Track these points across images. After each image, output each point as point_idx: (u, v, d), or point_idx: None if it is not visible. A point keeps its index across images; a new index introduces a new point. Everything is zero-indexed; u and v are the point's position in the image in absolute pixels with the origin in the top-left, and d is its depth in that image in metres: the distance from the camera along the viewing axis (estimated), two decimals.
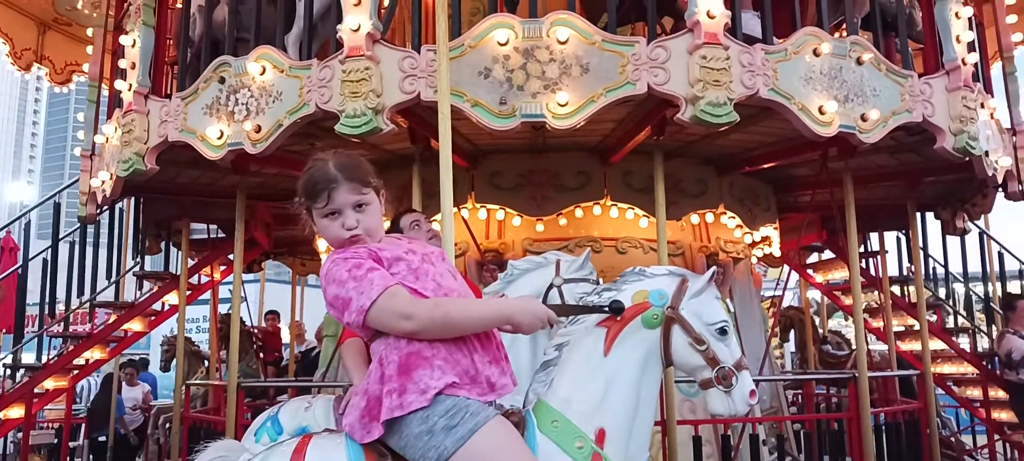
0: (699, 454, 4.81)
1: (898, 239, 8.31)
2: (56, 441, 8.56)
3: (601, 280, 3.35)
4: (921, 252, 7.50)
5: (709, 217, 6.19)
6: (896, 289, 7.86)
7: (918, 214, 7.32)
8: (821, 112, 4.52)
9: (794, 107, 4.46)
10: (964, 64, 5.06)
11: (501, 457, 1.96)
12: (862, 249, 7.94)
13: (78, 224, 7.07)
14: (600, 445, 2.11)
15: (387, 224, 2.99)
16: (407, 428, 1.99)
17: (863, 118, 4.66)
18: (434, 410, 1.97)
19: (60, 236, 7.68)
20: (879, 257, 7.71)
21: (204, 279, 7.94)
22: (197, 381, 8.15)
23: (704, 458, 4.85)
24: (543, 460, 2.05)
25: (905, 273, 7.96)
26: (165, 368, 10.07)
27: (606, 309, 2.21)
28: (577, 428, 2.11)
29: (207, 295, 8.39)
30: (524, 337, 2.72)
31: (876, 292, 7.51)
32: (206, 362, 8.95)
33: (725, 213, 6.17)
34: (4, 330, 8.61)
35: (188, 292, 7.31)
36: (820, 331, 10.00)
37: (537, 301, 2.05)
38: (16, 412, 6.46)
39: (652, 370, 2.22)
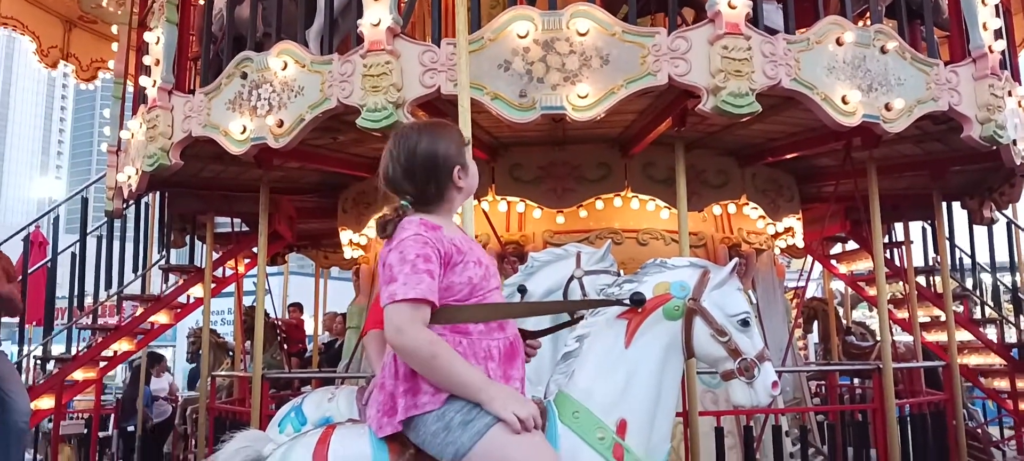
0: (721, 445, 4.80)
1: (924, 229, 8.21)
2: (86, 431, 8.72)
3: (622, 272, 3.35)
4: (947, 242, 7.40)
5: (731, 208, 6.15)
6: (922, 279, 7.77)
7: (944, 203, 7.23)
8: (844, 102, 4.47)
9: (817, 97, 4.42)
10: (991, 52, 4.98)
11: (519, 450, 1.95)
12: (887, 239, 7.85)
13: (105, 218, 7.18)
14: (621, 436, 2.11)
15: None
16: (424, 426, 2.00)
17: (887, 107, 4.61)
18: (450, 407, 1.98)
19: (88, 230, 7.80)
20: (904, 247, 7.62)
21: (228, 272, 8.02)
22: (223, 372, 8.24)
23: (726, 449, 4.83)
24: (564, 451, 2.06)
25: (931, 263, 7.86)
26: (191, 360, 10.20)
27: (627, 302, 2.21)
28: (598, 419, 2.12)
29: (232, 288, 8.48)
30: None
31: (901, 283, 7.42)
32: (231, 354, 9.05)
33: (747, 204, 6.13)
34: (34, 322, 8.78)
35: (213, 285, 7.39)
36: (844, 322, 9.91)
37: (531, 404, 2.00)
38: (47, 402, 6.59)
39: (674, 361, 2.22)
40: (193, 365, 10.26)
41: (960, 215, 7.58)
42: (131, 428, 10.15)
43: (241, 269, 8.05)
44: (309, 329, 10.83)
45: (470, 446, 1.96)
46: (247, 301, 8.70)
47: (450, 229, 2.11)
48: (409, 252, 1.98)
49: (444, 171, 2.11)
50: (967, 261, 8.24)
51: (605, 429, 2.11)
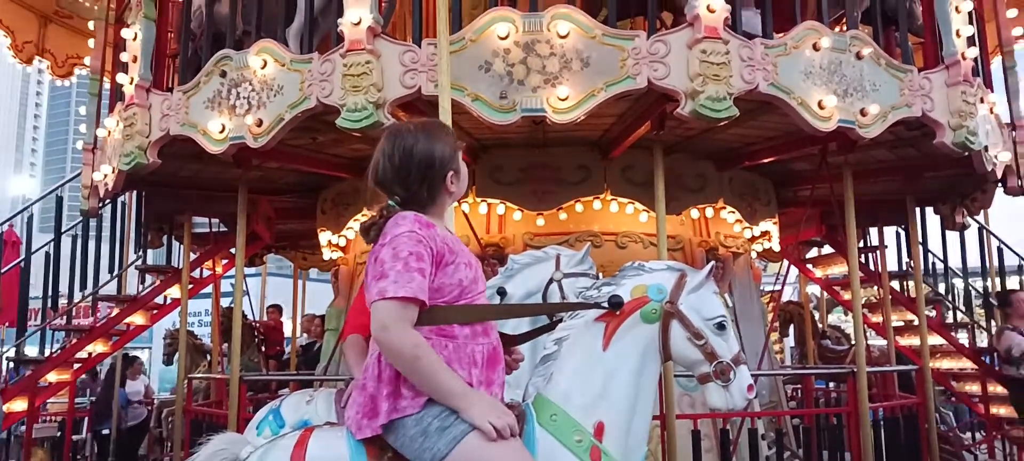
0: (698, 448, 4.83)
1: (898, 234, 8.32)
2: (59, 434, 8.61)
3: (601, 275, 3.37)
4: (920, 247, 7.50)
5: (709, 212, 6.20)
6: (896, 284, 7.87)
7: (918, 209, 7.33)
8: (821, 107, 4.52)
9: (793, 102, 4.47)
10: (964, 58, 5.06)
11: (495, 457, 1.95)
12: (861, 244, 7.94)
13: (80, 218, 7.09)
14: (599, 439, 2.13)
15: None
16: (403, 429, 2.00)
17: (863, 113, 4.67)
18: (428, 411, 1.98)
19: (62, 230, 7.70)
20: (879, 252, 7.72)
21: (206, 273, 7.96)
22: (200, 375, 8.17)
23: (703, 452, 4.87)
24: (542, 454, 2.07)
25: (905, 268, 7.97)
26: (168, 362, 10.10)
27: (605, 304, 2.23)
28: (576, 422, 2.13)
29: (209, 289, 8.41)
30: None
31: (875, 287, 7.51)
32: (208, 356, 8.97)
33: (725, 208, 6.19)
34: (7, 324, 8.65)
35: (190, 286, 7.33)
36: (820, 326, 10.02)
37: (508, 413, 2.00)
38: (20, 405, 6.49)
39: (651, 364, 2.24)
40: (169, 367, 10.16)
41: (933, 220, 7.70)
42: (105, 431, 10.02)
43: (219, 270, 7.99)
44: (288, 331, 10.75)
45: (446, 452, 1.95)
46: (225, 302, 8.63)
47: (442, 229, 2.11)
48: (402, 249, 1.97)
49: (439, 174, 2.10)
50: (940, 266, 8.36)
51: (583, 432, 2.12)
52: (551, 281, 3.53)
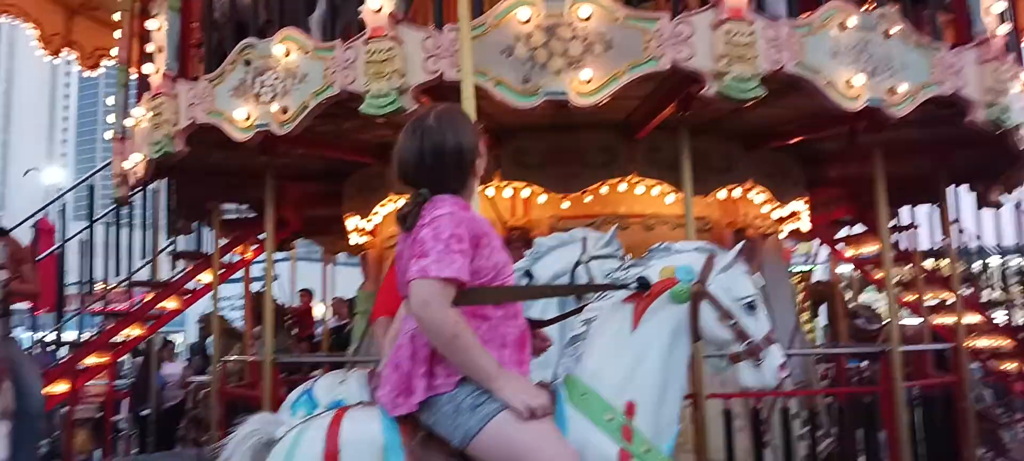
0: (730, 428, 4.82)
1: (930, 212, 8.19)
2: (100, 415, 8.81)
3: (628, 257, 3.36)
4: (954, 225, 7.38)
5: (737, 193, 6.13)
6: (929, 263, 7.76)
7: (952, 186, 7.21)
8: (848, 86, 4.46)
9: (820, 82, 4.41)
10: (995, 35, 4.95)
11: (526, 435, 1.99)
12: (893, 223, 7.83)
13: (112, 205, 7.22)
14: (630, 418, 2.14)
15: None
16: (437, 407, 2.04)
17: (891, 92, 4.59)
18: (462, 389, 2.02)
19: (95, 217, 7.84)
20: (911, 231, 7.60)
21: (237, 258, 8.06)
22: (233, 357, 8.30)
23: (735, 432, 4.85)
24: (573, 433, 2.09)
25: (938, 246, 7.84)
26: (201, 346, 10.28)
27: (633, 286, 2.23)
28: (606, 401, 2.14)
29: (240, 274, 8.53)
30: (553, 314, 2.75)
31: (908, 266, 7.41)
32: (241, 339, 9.11)
33: (753, 188, 6.12)
34: (45, 309, 8.84)
35: (221, 271, 7.43)
36: (851, 305, 9.91)
37: (542, 394, 2.04)
38: (61, 387, 6.65)
39: (681, 345, 2.25)
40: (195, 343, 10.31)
41: (967, 197, 7.56)
42: (145, 412, 10.24)
43: (249, 255, 8.09)
44: (318, 315, 10.88)
45: (478, 429, 1.99)
46: (255, 287, 8.75)
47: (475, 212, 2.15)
48: (443, 230, 2.01)
49: (468, 164, 2.16)
50: (975, 244, 8.22)
51: (614, 411, 2.13)
52: (578, 263, 3.52)
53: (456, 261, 1.98)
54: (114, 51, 7.71)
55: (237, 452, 2.19)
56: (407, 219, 2.11)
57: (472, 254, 2.04)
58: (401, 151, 2.16)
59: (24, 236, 7.01)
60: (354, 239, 7.09)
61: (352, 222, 6.82)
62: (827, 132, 5.64)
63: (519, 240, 5.48)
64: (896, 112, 4.60)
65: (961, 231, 8.31)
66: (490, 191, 5.61)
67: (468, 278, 2.01)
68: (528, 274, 3.56)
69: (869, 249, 8.00)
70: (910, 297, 7.47)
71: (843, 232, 8.67)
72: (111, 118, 6.83)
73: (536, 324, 2.34)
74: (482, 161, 2.22)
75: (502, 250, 2.15)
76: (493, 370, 2.02)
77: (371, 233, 6.89)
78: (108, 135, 6.59)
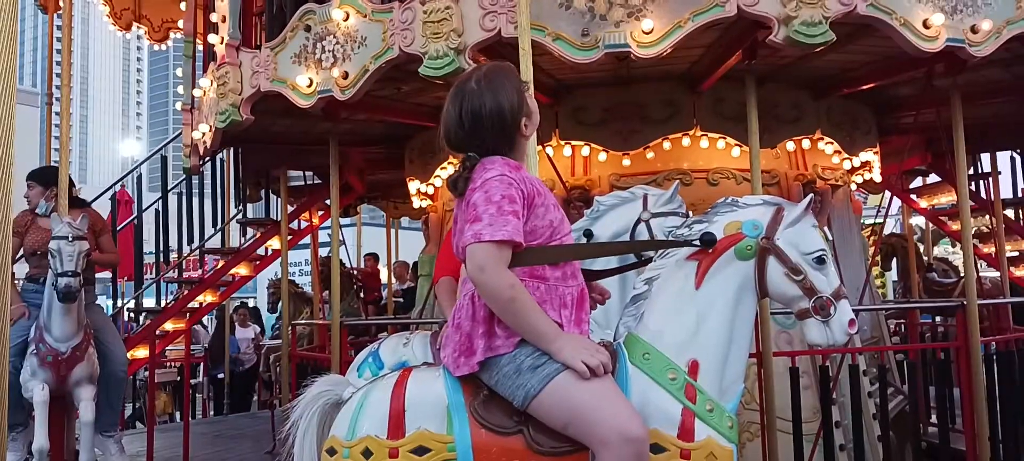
0: (797, 386, 4.73)
1: (1012, 159, 7.79)
2: (179, 379, 9.20)
3: (691, 213, 3.29)
4: None
5: (805, 143, 5.94)
6: (1010, 213, 7.40)
7: None
8: (926, 26, 4.23)
9: (896, 22, 4.19)
10: None
11: (586, 394, 1.98)
12: (972, 171, 7.49)
13: (184, 176, 7.45)
14: (693, 377, 2.11)
15: None
16: (497, 367, 2.04)
17: (973, 30, 4.35)
18: (522, 350, 2.02)
19: (169, 188, 8.12)
20: (990, 179, 7.26)
21: (304, 224, 8.25)
22: (302, 321, 8.55)
23: (802, 390, 4.76)
24: (635, 393, 2.07)
25: (1021, 194, 7.47)
26: (272, 309, 10.61)
27: (697, 242, 2.18)
28: (669, 360, 2.11)
29: (308, 239, 8.73)
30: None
31: (987, 216, 7.09)
32: (310, 303, 9.37)
33: (822, 139, 5.92)
34: (125, 278, 9.25)
35: (289, 237, 7.61)
36: (925, 258, 9.57)
37: (602, 351, 2.01)
38: (141, 353, 6.96)
39: (746, 302, 2.19)
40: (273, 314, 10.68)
41: None
42: (220, 375, 10.66)
43: (316, 221, 8.27)
44: (384, 278, 11.10)
45: (539, 389, 1.99)
46: (323, 252, 8.95)
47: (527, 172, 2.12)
48: (495, 193, 1.99)
49: (512, 125, 2.11)
50: None
51: (676, 370, 2.11)
52: (639, 221, 3.47)
53: (509, 223, 1.96)
54: (181, 23, 7.89)
55: (306, 413, 2.24)
56: (458, 184, 2.09)
57: (526, 215, 2.02)
58: (444, 116, 2.16)
59: (103, 208, 7.31)
60: (416, 203, 7.16)
61: (414, 186, 6.88)
62: (901, 77, 5.39)
63: (579, 200, 5.44)
64: (978, 52, 4.36)
65: None
66: (549, 150, 5.56)
67: (523, 239, 1.99)
68: (588, 234, 3.53)
69: (945, 199, 7.68)
70: (988, 249, 7.15)
71: (916, 182, 8.35)
72: (180, 89, 7.03)
73: (593, 275, 2.32)
74: (531, 120, 2.17)
75: (557, 208, 2.12)
76: (551, 332, 2.01)
77: (432, 196, 6.94)
78: (178, 107, 6.76)
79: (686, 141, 5.59)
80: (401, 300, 10.26)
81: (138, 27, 8.95)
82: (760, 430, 4.64)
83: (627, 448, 1.93)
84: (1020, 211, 7.63)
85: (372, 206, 10.30)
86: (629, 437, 1.94)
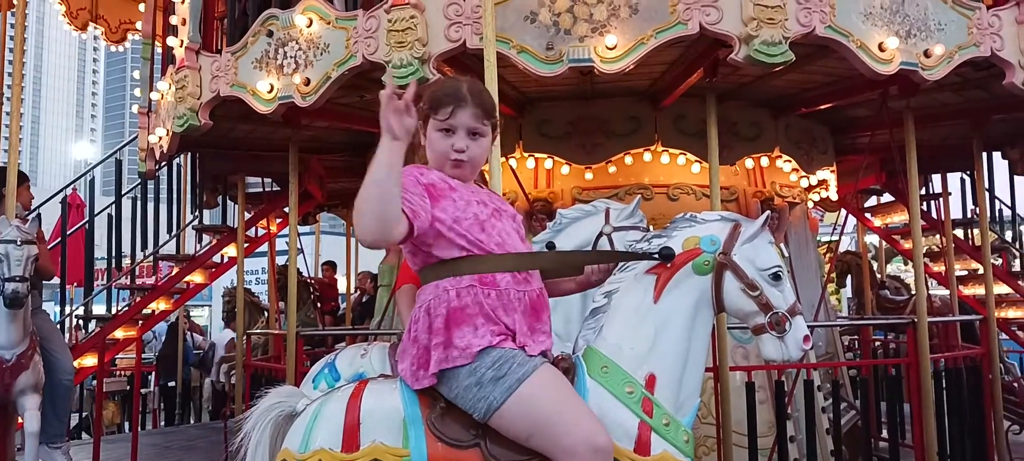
0: (752, 400, 4.78)
1: (962, 180, 8.01)
2: (128, 388, 8.96)
3: (651, 227, 3.32)
4: (987, 193, 7.22)
5: (764, 161, 6.04)
6: (960, 232, 7.60)
7: (984, 154, 7.04)
8: (881, 49, 4.34)
9: (852, 45, 4.29)
10: None
11: (550, 404, 1.97)
12: (923, 191, 7.68)
13: (139, 180, 7.28)
14: (651, 390, 2.11)
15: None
16: (456, 380, 2.02)
17: (926, 54, 4.47)
18: (481, 362, 2.00)
19: (123, 192, 7.93)
20: (941, 199, 7.45)
21: (261, 232, 8.12)
22: (258, 331, 8.40)
23: (757, 404, 4.81)
24: (593, 406, 2.07)
25: (970, 215, 7.68)
26: (227, 320, 10.43)
27: (656, 256, 2.19)
28: (627, 373, 2.11)
29: (265, 247, 8.59)
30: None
31: (937, 235, 7.27)
32: (266, 313, 9.21)
33: (781, 157, 6.02)
34: (75, 283, 9.00)
35: (246, 244, 7.48)
36: (878, 276, 9.78)
37: (408, 121, 1.90)
38: (90, 361, 6.77)
39: (703, 316, 2.21)
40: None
41: (1000, 165, 7.38)
42: (171, 384, 10.41)
43: (273, 229, 8.14)
44: (342, 288, 10.97)
45: (502, 400, 1.98)
46: (280, 261, 8.82)
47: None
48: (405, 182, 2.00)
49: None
50: (1007, 213, 8.05)
51: (634, 383, 2.11)
52: (601, 234, 3.48)
53: (413, 199, 1.97)
54: (139, 25, 7.74)
55: (259, 424, 2.19)
56: None
57: (429, 202, 2.03)
58: None
59: (54, 211, 7.11)
60: None
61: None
62: (858, 98, 5.52)
63: (542, 212, 5.45)
64: (930, 76, 4.48)
65: (994, 199, 8.14)
66: (512, 162, 5.57)
67: (425, 208, 1.99)
68: (550, 245, 3.52)
69: (898, 218, 7.86)
70: (938, 267, 7.33)
71: (871, 201, 8.53)
72: (137, 92, 6.88)
73: (567, 271, 2.34)
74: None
75: (484, 204, 2.13)
76: (379, 150, 1.90)
77: None
78: (134, 110, 6.62)
79: (648, 156, 5.64)
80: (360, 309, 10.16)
81: (95, 28, 8.77)
82: (716, 444, 4.68)
83: (594, 458, 1.93)
84: (969, 231, 7.84)
85: (332, 214, 10.18)
86: (597, 447, 1.94)
